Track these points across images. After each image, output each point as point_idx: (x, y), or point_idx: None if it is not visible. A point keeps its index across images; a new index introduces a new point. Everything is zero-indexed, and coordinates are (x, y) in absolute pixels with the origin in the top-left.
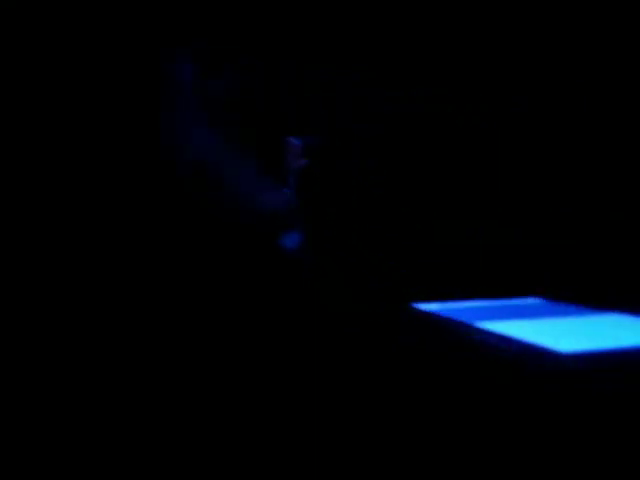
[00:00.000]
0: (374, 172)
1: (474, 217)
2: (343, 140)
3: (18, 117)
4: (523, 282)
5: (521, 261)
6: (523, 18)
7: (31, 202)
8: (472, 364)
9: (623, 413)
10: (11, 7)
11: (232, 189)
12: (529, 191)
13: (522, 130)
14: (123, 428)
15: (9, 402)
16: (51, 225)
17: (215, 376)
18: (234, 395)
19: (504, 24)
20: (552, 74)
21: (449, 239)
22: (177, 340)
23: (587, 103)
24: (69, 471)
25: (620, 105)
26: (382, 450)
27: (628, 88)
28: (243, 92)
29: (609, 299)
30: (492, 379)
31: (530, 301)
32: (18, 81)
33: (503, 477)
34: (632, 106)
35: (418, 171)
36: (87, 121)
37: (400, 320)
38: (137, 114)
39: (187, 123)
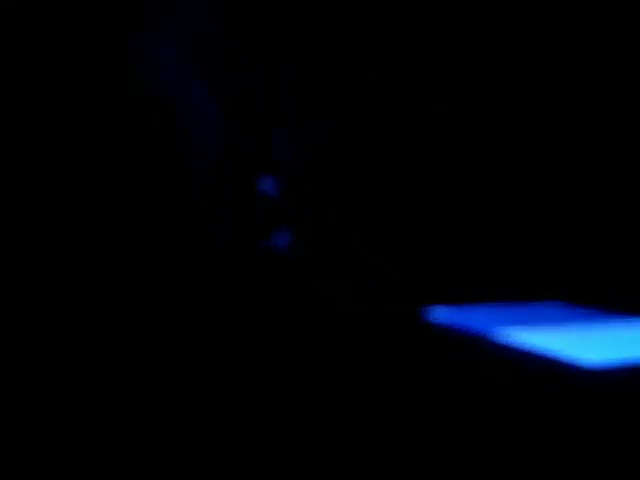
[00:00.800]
0: (375, 169)
1: (489, 215)
2: (342, 139)
3: None
4: (544, 284)
5: (541, 261)
6: (522, 18)
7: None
8: (488, 375)
9: None
10: None
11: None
12: (550, 188)
13: (533, 131)
14: (119, 429)
15: (9, 402)
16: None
17: (213, 377)
18: (233, 396)
19: (504, 24)
20: (552, 74)
21: (462, 237)
22: (176, 341)
23: (593, 104)
24: (69, 471)
25: (625, 105)
26: (382, 452)
27: (629, 88)
28: (243, 92)
29: (637, 304)
30: (510, 394)
31: (551, 306)
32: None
33: None
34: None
35: (426, 171)
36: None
37: (405, 324)
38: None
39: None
